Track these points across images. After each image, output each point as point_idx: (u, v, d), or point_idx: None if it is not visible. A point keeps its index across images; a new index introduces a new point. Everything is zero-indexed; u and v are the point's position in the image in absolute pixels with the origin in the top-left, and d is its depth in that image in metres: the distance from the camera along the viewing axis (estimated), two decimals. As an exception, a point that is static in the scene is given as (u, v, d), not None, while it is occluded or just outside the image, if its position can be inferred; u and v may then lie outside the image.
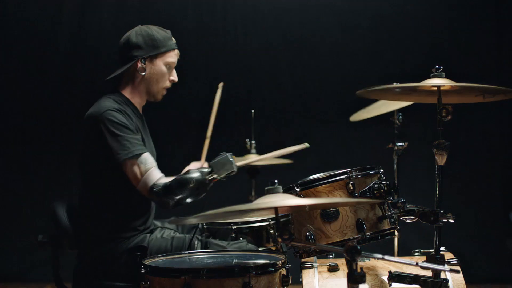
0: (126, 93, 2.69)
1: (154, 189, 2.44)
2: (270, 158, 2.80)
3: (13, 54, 4.78)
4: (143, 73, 2.64)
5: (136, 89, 2.69)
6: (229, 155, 2.50)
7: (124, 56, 2.66)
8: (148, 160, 2.49)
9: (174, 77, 2.74)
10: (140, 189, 2.49)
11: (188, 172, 2.47)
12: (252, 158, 2.63)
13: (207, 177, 2.46)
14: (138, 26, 2.71)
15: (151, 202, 2.69)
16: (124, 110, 2.55)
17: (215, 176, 2.48)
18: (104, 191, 2.57)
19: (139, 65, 2.63)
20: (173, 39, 2.72)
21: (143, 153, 2.48)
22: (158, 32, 2.68)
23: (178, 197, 2.43)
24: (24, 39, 4.75)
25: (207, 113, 4.74)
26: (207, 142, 3.01)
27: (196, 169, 2.49)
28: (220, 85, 3.04)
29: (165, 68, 2.68)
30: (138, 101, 2.71)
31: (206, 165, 2.93)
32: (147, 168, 2.47)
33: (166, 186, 2.43)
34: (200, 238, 2.65)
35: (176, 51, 2.72)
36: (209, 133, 3.03)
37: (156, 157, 2.90)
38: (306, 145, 2.78)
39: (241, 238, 2.77)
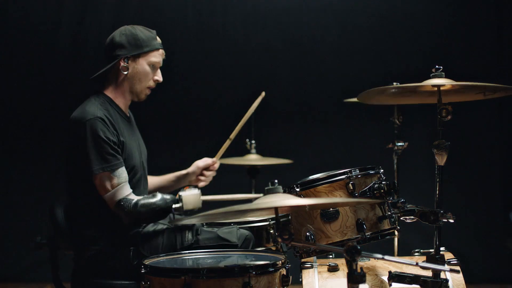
0: (109, 92, 2.70)
1: (122, 203, 2.50)
2: (234, 199, 3.09)
3: (13, 54, 4.78)
4: (126, 72, 2.66)
5: (119, 89, 2.70)
6: (199, 191, 2.64)
7: (108, 56, 2.68)
8: (122, 174, 2.53)
9: (159, 77, 2.75)
10: (107, 200, 2.53)
11: (155, 196, 2.56)
12: (218, 197, 2.99)
13: (172, 206, 2.57)
14: (124, 26, 2.73)
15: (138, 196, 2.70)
16: (107, 115, 2.57)
17: (180, 207, 2.59)
18: (90, 191, 2.58)
19: (122, 64, 2.64)
20: (158, 39, 2.74)
21: (117, 168, 2.52)
22: (142, 31, 2.69)
23: (142, 217, 2.52)
24: (25, 38, 4.75)
25: (207, 113, 4.78)
26: (228, 143, 3.10)
27: (163, 196, 2.57)
28: (262, 94, 3.13)
29: (148, 67, 2.69)
30: (122, 101, 2.73)
31: (218, 164, 3.05)
32: (120, 182, 2.51)
33: (133, 203, 2.50)
34: (190, 226, 2.66)
35: (161, 51, 2.73)
36: (233, 135, 3.11)
37: (156, 157, 2.91)
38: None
39: (232, 224, 2.81)
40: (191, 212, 2.70)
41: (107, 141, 2.50)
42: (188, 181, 3.03)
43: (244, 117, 3.12)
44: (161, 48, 2.73)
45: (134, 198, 2.54)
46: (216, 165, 3.05)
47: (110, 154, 2.50)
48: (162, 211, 2.55)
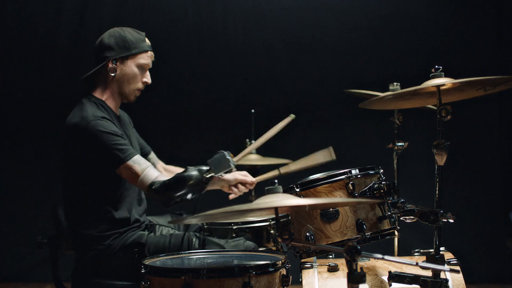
0: (98, 94, 2.71)
1: (153, 187, 2.46)
2: (264, 141, 2.83)
3: (13, 54, 4.78)
4: (114, 74, 2.67)
5: (108, 90, 2.71)
6: (226, 153, 2.54)
7: (96, 57, 2.70)
8: (141, 160, 2.52)
9: (147, 79, 2.75)
10: (140, 188, 2.53)
11: (186, 170, 2.50)
12: (247, 150, 2.72)
13: (204, 175, 2.49)
14: (114, 28, 2.74)
15: (131, 194, 2.70)
16: (105, 115, 2.58)
17: (212, 174, 2.51)
18: (92, 192, 2.60)
19: (110, 65, 2.66)
20: (147, 41, 2.74)
21: (134, 156, 2.51)
22: (131, 33, 2.70)
23: (177, 194, 2.45)
24: (24, 38, 4.75)
25: (207, 113, 4.78)
26: (275, 173, 3.00)
27: (194, 167, 2.51)
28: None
29: (136, 69, 2.70)
30: (112, 102, 2.74)
31: (254, 185, 2.98)
32: (143, 168, 2.49)
33: (164, 184, 2.45)
34: (198, 236, 2.66)
35: (150, 53, 2.74)
36: (284, 170, 3.00)
37: (161, 156, 2.93)
38: (292, 116, 2.83)
39: (232, 225, 2.79)
40: (191, 212, 2.69)
41: (116, 134, 2.51)
42: (220, 185, 2.98)
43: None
44: (150, 50, 2.74)
45: (163, 178, 2.50)
46: (252, 186, 3.00)
47: (123, 144, 2.50)
48: (197, 183, 2.47)
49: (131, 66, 2.68)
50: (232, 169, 2.55)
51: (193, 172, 2.47)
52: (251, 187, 3.00)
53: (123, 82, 2.69)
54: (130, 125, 2.95)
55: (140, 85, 2.74)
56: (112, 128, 2.52)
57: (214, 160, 2.53)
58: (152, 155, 3.10)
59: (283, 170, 3.02)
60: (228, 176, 2.91)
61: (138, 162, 2.49)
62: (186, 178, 2.45)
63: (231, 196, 3.00)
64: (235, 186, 2.97)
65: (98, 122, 2.51)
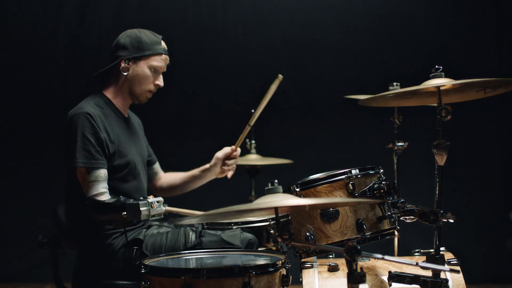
0: (109, 93, 2.73)
1: (87, 202, 2.45)
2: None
3: (13, 54, 4.78)
4: (126, 73, 2.68)
5: (119, 89, 2.72)
6: (142, 202, 2.35)
7: (111, 56, 2.72)
8: (94, 174, 2.48)
9: (160, 81, 2.76)
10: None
11: (117, 201, 2.38)
12: (186, 211, 2.68)
13: (123, 215, 2.36)
14: (132, 28, 2.75)
15: (133, 193, 2.68)
16: (99, 112, 2.58)
17: (131, 219, 2.38)
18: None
19: (123, 65, 2.67)
20: (162, 44, 2.75)
21: (95, 168, 2.48)
22: (147, 35, 2.72)
23: (103, 219, 2.42)
24: (24, 38, 4.75)
25: (206, 113, 4.78)
26: (247, 129, 2.99)
27: (130, 203, 2.35)
28: (280, 77, 2.98)
29: (149, 71, 2.70)
30: (120, 102, 2.74)
31: (239, 151, 3.01)
32: (90, 180, 2.47)
33: (97, 203, 2.43)
34: (194, 229, 2.66)
35: (164, 57, 2.74)
36: (252, 121, 3.01)
37: (161, 156, 2.93)
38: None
39: (232, 225, 2.79)
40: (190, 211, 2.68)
41: (89, 138, 2.50)
42: (214, 173, 3.01)
43: (262, 102, 3.01)
44: (164, 54, 2.74)
45: (102, 199, 2.46)
46: (237, 152, 3.00)
47: (88, 152, 2.49)
48: (118, 217, 2.35)
49: (143, 67, 2.69)
50: (146, 221, 2.44)
51: (118, 202, 2.36)
52: (237, 155, 3.00)
53: (134, 82, 2.70)
54: (140, 130, 2.96)
55: (151, 87, 2.74)
56: (89, 130, 2.50)
57: (128, 204, 2.34)
58: (156, 165, 3.09)
59: (252, 122, 3.00)
60: (212, 161, 2.97)
61: (90, 175, 2.47)
62: (110, 209, 2.36)
63: (229, 175, 3.00)
64: (224, 164, 2.99)
65: (80, 117, 2.51)
